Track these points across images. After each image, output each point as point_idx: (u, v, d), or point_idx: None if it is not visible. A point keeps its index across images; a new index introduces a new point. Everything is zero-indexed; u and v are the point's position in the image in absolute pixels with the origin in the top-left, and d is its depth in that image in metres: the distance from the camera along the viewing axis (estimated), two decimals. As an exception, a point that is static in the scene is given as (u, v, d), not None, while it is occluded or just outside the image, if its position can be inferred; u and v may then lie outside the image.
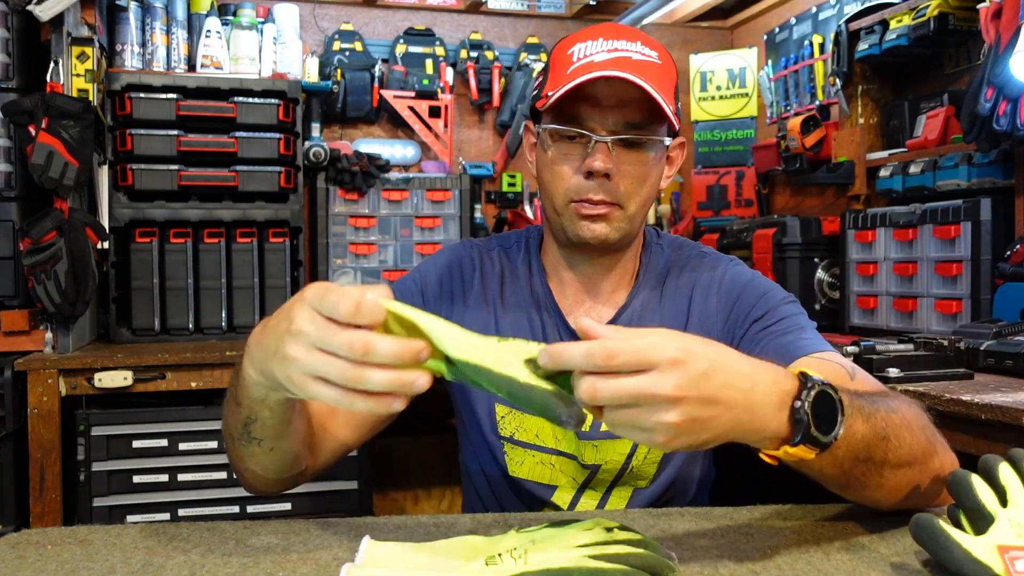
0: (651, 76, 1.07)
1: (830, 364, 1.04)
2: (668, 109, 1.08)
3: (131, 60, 2.83)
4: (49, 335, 2.45)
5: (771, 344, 1.12)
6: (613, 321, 1.23)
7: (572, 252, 1.22)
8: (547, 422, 1.19)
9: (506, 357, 0.69)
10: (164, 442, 2.42)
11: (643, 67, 1.08)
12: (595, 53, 1.09)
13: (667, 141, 1.14)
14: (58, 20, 2.41)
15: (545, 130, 1.14)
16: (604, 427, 1.15)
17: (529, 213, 3.53)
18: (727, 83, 3.72)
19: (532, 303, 1.25)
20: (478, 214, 3.43)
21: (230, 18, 2.97)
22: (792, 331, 1.13)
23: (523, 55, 3.55)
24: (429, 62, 3.42)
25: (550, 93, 1.11)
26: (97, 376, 2.34)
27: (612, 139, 1.10)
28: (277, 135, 2.88)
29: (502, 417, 1.21)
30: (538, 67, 3.52)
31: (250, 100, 2.85)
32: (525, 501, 1.22)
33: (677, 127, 1.15)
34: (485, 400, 1.22)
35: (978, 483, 0.78)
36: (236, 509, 2.46)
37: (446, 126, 3.40)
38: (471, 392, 1.23)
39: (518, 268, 1.28)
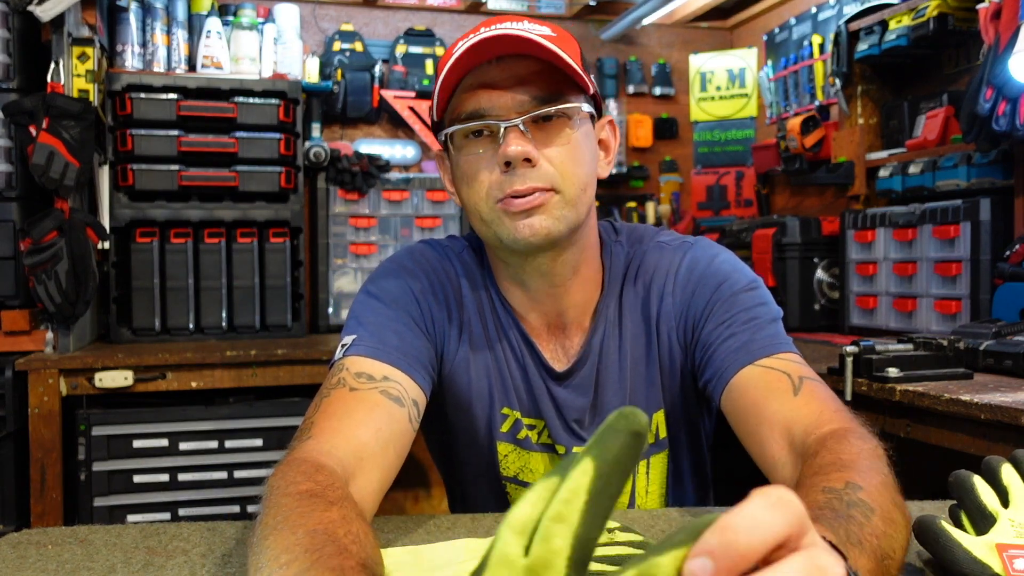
0: (545, 45, 0.93)
1: (774, 374, 0.95)
2: (574, 64, 0.94)
3: (132, 60, 2.83)
4: (50, 335, 2.45)
5: (721, 348, 1.01)
6: (586, 346, 1.09)
7: (520, 267, 1.05)
8: (552, 464, 1.11)
9: None
10: (164, 442, 2.43)
11: (535, 39, 0.93)
12: (476, 36, 0.95)
13: (585, 107, 1.00)
14: (59, 20, 2.42)
15: (448, 137, 1.00)
16: None
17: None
18: (727, 83, 3.72)
19: (502, 336, 1.10)
20: (478, 214, 3.43)
21: (230, 18, 2.97)
22: (743, 330, 1.00)
23: (523, 55, 3.55)
24: (429, 62, 3.42)
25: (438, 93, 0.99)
26: (98, 376, 2.35)
27: (523, 119, 0.95)
28: (277, 135, 2.88)
29: (504, 456, 1.11)
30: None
31: (250, 100, 2.86)
32: None
33: (592, 91, 1.01)
34: (486, 436, 1.11)
35: (979, 483, 0.78)
36: (236, 509, 2.46)
37: (446, 126, 3.40)
38: (471, 428, 1.11)
39: (484, 293, 1.11)
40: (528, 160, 0.95)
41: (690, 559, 0.33)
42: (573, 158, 0.98)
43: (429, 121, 1.08)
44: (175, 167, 2.79)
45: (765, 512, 0.35)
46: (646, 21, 3.46)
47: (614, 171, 3.44)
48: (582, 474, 0.33)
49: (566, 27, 3.68)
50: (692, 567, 0.33)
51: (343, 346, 1.01)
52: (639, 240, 1.13)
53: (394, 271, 1.09)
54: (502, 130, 0.95)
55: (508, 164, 0.95)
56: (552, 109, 0.96)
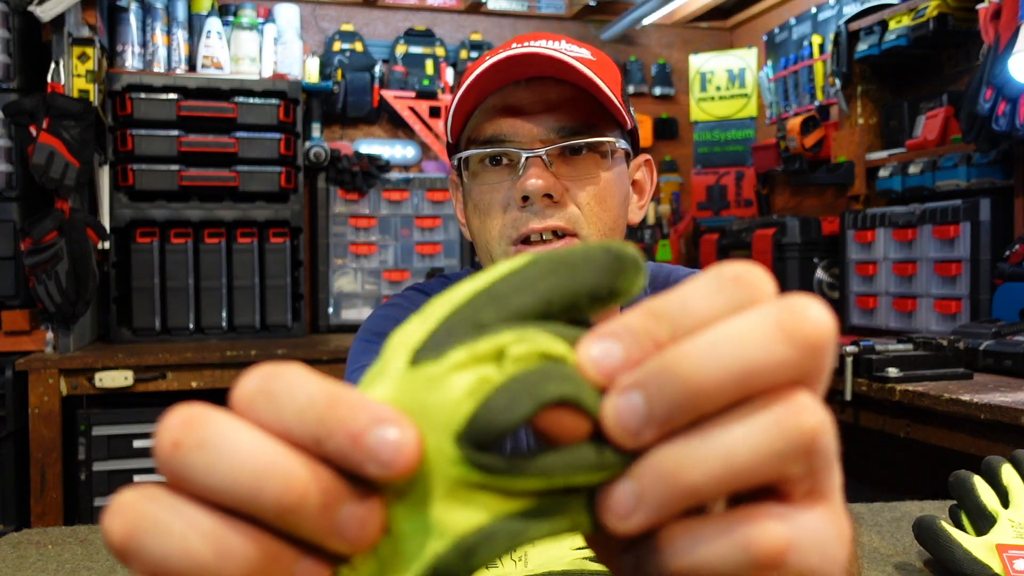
0: (579, 69, 0.82)
1: None
2: (611, 95, 0.82)
3: (132, 60, 2.83)
4: (50, 335, 2.45)
5: None
6: None
7: None
8: None
9: None
10: (164, 442, 2.43)
11: (569, 62, 0.81)
12: (503, 53, 0.84)
13: (621, 144, 0.88)
14: (59, 21, 2.42)
15: (462, 161, 0.88)
16: None
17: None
18: (727, 83, 3.72)
19: None
20: (478, 214, 3.43)
21: (231, 18, 2.98)
22: None
23: (523, 55, 3.55)
24: (429, 62, 3.42)
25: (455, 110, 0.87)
26: (98, 376, 2.35)
27: (547, 150, 0.83)
28: (277, 135, 2.88)
29: None
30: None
31: (250, 100, 2.86)
32: None
33: (631, 126, 0.89)
34: None
35: (980, 484, 0.78)
36: (236, 509, 2.46)
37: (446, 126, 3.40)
38: None
39: None
40: (549, 196, 0.82)
41: (589, 341, 0.24)
42: (601, 200, 0.85)
43: (445, 139, 0.96)
44: (175, 167, 2.79)
45: (706, 292, 0.23)
46: (646, 21, 3.46)
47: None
48: (503, 265, 0.25)
49: (566, 27, 3.69)
50: (591, 352, 0.23)
51: None
52: (656, 282, 1.01)
53: (392, 316, 0.99)
54: (523, 160, 0.83)
55: (526, 199, 0.83)
56: (582, 142, 0.84)
